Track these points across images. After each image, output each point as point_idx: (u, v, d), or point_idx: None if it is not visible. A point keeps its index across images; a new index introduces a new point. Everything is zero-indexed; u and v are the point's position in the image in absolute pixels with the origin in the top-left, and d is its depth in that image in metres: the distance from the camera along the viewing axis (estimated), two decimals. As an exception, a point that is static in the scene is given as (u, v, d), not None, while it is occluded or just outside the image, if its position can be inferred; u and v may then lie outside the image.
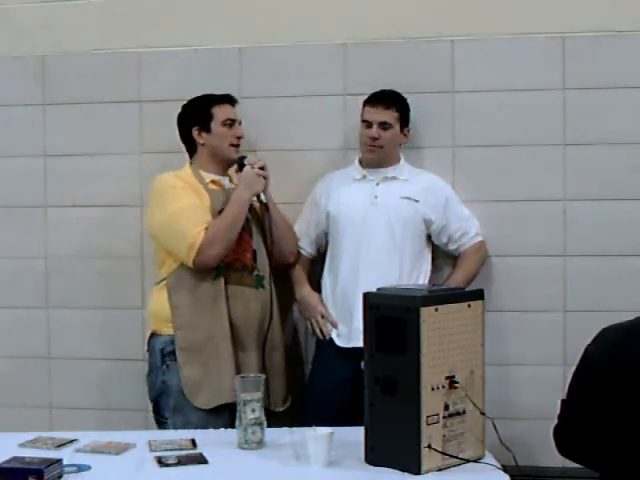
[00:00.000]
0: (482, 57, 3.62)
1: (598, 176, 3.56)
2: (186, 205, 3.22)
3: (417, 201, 3.42)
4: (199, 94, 3.48)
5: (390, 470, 2.42)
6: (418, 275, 3.44)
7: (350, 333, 3.38)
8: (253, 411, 2.62)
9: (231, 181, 3.43)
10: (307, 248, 3.57)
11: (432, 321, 2.39)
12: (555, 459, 2.60)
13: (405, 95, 3.58)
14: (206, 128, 3.38)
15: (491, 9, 3.61)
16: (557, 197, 3.60)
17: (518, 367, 3.60)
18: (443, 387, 2.42)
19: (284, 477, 2.47)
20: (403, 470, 2.40)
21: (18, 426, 3.19)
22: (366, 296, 2.52)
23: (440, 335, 2.41)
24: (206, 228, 3.18)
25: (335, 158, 3.64)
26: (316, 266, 3.62)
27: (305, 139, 3.68)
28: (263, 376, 2.71)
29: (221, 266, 3.23)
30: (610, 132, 3.55)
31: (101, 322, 3.79)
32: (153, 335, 3.32)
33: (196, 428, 2.99)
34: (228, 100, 3.43)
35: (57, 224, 3.84)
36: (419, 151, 3.65)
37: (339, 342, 3.43)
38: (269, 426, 2.70)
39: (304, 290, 3.55)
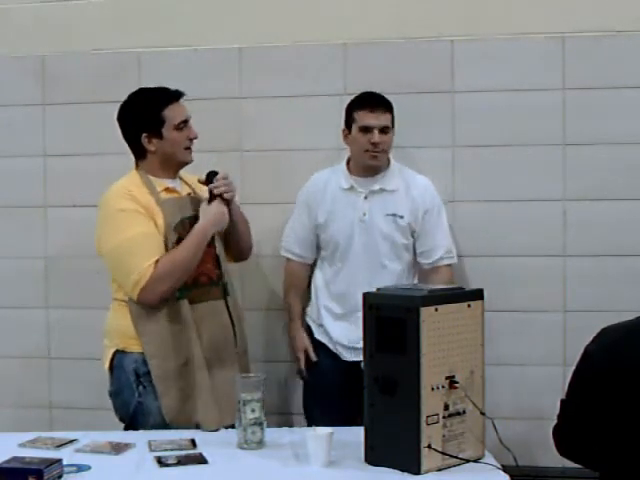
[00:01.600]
0: (482, 57, 3.62)
1: (598, 176, 3.57)
2: (136, 234, 2.96)
3: (402, 217, 3.38)
4: (199, 94, 3.47)
5: (390, 470, 2.42)
6: None
7: (338, 349, 3.43)
8: (253, 411, 2.62)
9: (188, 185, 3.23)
10: (309, 254, 3.53)
11: (432, 321, 2.39)
12: (555, 459, 2.60)
13: (405, 95, 3.58)
14: (157, 134, 3.07)
15: (491, 9, 3.61)
16: (557, 197, 3.60)
17: (518, 367, 3.60)
18: (443, 387, 2.42)
19: (284, 477, 2.46)
20: (403, 470, 2.40)
21: (18, 426, 3.20)
22: (366, 296, 2.52)
23: (440, 335, 2.41)
24: (157, 261, 2.94)
25: (335, 158, 3.63)
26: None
27: (305, 139, 3.68)
28: (263, 376, 2.71)
29: (182, 288, 3.00)
30: (610, 132, 3.55)
31: (101, 322, 3.78)
32: (119, 352, 3.07)
33: None
34: (177, 97, 3.11)
35: (57, 224, 3.84)
36: (419, 151, 3.65)
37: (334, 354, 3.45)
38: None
39: (294, 329, 3.54)
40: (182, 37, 3.76)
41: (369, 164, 3.39)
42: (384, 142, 3.37)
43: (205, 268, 3.09)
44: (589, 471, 2.50)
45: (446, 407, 2.44)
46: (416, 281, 3.47)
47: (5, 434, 2.85)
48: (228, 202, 3.08)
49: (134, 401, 3.04)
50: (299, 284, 3.57)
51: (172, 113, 3.09)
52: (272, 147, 3.70)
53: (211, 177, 3.09)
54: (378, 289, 2.64)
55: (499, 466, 2.45)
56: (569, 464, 2.55)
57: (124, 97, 3.56)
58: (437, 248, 3.43)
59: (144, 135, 3.08)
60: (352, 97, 3.50)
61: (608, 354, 2.36)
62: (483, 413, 2.52)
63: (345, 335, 3.40)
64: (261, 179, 3.75)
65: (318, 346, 3.51)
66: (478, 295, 2.55)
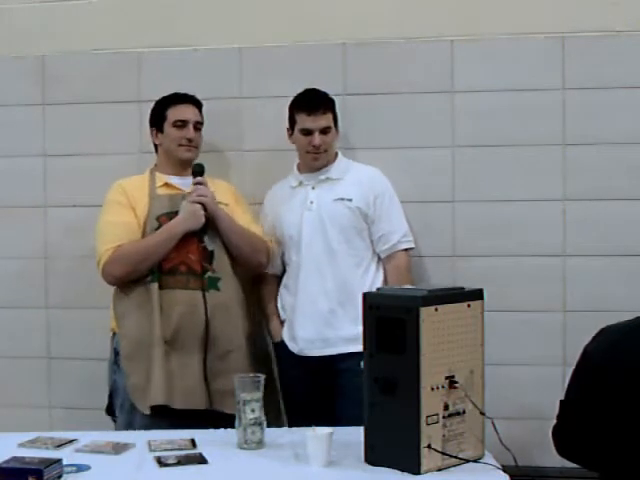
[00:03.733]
0: (482, 57, 3.62)
1: (598, 176, 3.57)
2: (108, 221, 3.31)
3: (350, 200, 3.35)
4: (199, 94, 3.48)
5: (390, 470, 2.42)
6: (373, 280, 3.37)
7: (299, 342, 3.37)
8: (253, 411, 2.62)
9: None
10: (276, 269, 3.51)
11: (432, 321, 2.39)
12: (555, 459, 2.60)
13: (405, 95, 3.58)
14: (160, 129, 3.42)
15: (491, 9, 3.61)
16: (557, 197, 3.60)
17: (518, 367, 3.60)
18: (443, 387, 2.42)
19: (284, 477, 2.46)
20: (403, 470, 2.40)
21: (18, 426, 3.19)
22: (366, 296, 2.52)
23: (440, 335, 2.41)
24: (119, 246, 3.23)
25: (335, 158, 3.64)
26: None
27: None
28: (263, 376, 2.70)
29: (155, 271, 3.22)
30: (610, 132, 3.55)
31: (101, 322, 3.78)
32: (114, 334, 3.35)
33: (140, 429, 3.07)
34: (184, 101, 3.43)
35: (57, 224, 3.84)
36: (419, 151, 3.65)
37: (295, 351, 3.40)
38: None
39: (272, 325, 3.51)
40: (182, 37, 3.76)
41: (311, 165, 3.41)
42: (325, 143, 3.35)
43: (187, 258, 3.26)
44: (589, 471, 2.50)
45: (446, 407, 2.44)
46: (380, 276, 3.40)
47: (5, 434, 2.84)
48: (204, 206, 3.26)
49: (111, 379, 3.33)
50: (272, 292, 3.54)
51: (174, 112, 3.41)
52: (272, 147, 3.70)
53: (196, 172, 3.33)
54: (378, 289, 2.65)
55: (499, 466, 2.45)
56: (569, 464, 2.55)
57: (124, 97, 3.58)
58: (393, 232, 3.40)
59: (152, 129, 3.46)
60: (352, 97, 3.51)
61: (607, 354, 2.36)
62: (483, 413, 2.52)
63: (299, 330, 3.35)
64: (261, 179, 3.75)
65: (283, 356, 3.46)
66: (478, 295, 2.55)
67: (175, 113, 3.40)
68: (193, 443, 2.70)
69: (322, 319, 3.31)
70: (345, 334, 3.26)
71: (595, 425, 2.37)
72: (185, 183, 3.37)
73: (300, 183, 3.44)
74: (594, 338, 2.45)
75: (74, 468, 2.46)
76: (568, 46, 3.57)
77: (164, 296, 3.22)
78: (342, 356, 3.26)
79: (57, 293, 3.86)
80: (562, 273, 3.60)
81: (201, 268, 3.26)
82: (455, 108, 3.64)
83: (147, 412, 3.15)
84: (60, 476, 2.38)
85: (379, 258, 3.44)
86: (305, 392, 3.37)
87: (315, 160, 3.39)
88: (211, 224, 3.29)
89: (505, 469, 2.44)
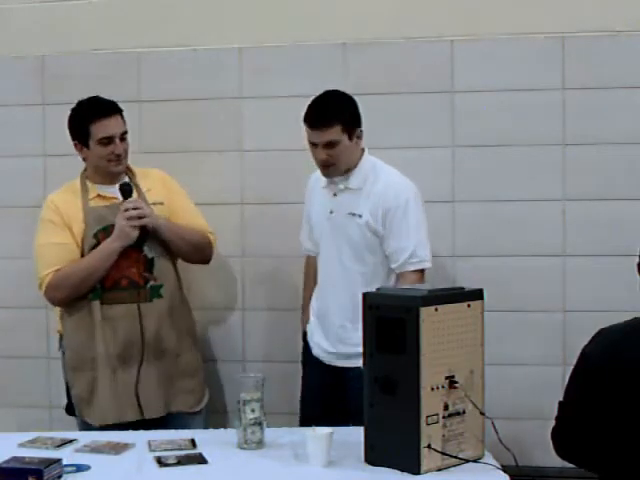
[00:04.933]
0: (482, 57, 3.62)
1: (598, 176, 3.57)
2: (44, 243, 3.25)
3: (360, 216, 3.17)
4: (199, 94, 3.48)
5: (390, 470, 2.42)
6: None
7: (315, 348, 3.35)
8: (253, 411, 2.62)
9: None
10: (312, 247, 3.43)
11: (432, 321, 2.39)
12: (555, 459, 2.60)
13: (405, 95, 3.58)
14: (85, 144, 3.27)
15: (491, 9, 3.61)
16: (556, 197, 3.60)
17: (518, 367, 3.60)
18: (443, 387, 2.42)
19: (284, 477, 2.47)
20: (403, 470, 2.40)
21: (18, 426, 3.20)
22: (366, 296, 2.52)
23: (440, 335, 2.41)
24: (59, 269, 3.19)
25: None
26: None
27: (304, 139, 3.68)
28: (262, 376, 2.71)
29: (97, 288, 3.21)
30: (610, 132, 3.56)
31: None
32: (61, 336, 3.38)
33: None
34: (107, 113, 3.25)
35: (57, 224, 3.84)
36: (419, 151, 3.65)
37: (314, 353, 3.38)
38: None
39: (303, 317, 3.48)
40: (182, 37, 3.76)
41: (323, 175, 3.26)
42: (331, 157, 3.15)
43: (128, 272, 3.24)
44: (588, 472, 2.50)
45: (446, 407, 2.44)
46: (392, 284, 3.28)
47: (5, 434, 2.85)
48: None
49: (65, 379, 3.35)
50: (312, 276, 3.47)
51: (98, 128, 3.24)
52: (272, 147, 3.70)
53: (124, 190, 3.23)
54: (378, 289, 2.64)
55: (499, 466, 2.45)
56: (568, 464, 2.55)
57: (124, 97, 3.57)
58: (400, 251, 3.16)
59: (75, 142, 3.31)
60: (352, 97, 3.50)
61: (605, 355, 2.36)
62: (483, 413, 2.52)
63: (317, 335, 3.34)
64: (261, 179, 3.75)
65: (304, 351, 3.46)
66: (478, 295, 2.55)
67: (99, 129, 3.22)
68: (193, 443, 2.70)
69: (333, 333, 3.26)
70: (356, 351, 2.98)
71: (594, 426, 2.36)
72: (116, 191, 3.28)
73: (326, 185, 3.30)
74: (592, 339, 2.45)
75: (74, 468, 2.46)
76: (568, 46, 3.57)
77: (107, 312, 3.22)
78: (351, 369, 3.14)
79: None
80: (562, 273, 3.61)
81: (143, 279, 3.25)
82: (455, 108, 3.64)
83: (95, 424, 3.18)
84: (60, 476, 2.38)
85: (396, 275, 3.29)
86: (319, 390, 3.35)
87: (325, 174, 3.24)
88: (150, 232, 3.24)
89: (505, 469, 2.44)
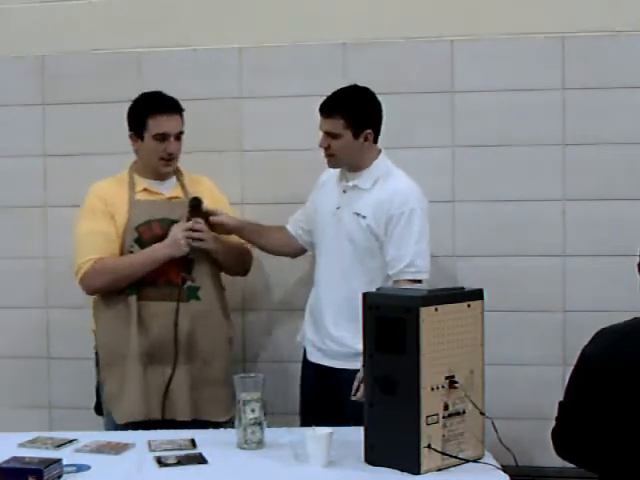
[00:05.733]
0: (482, 57, 3.62)
1: (598, 176, 3.57)
2: (87, 230, 3.23)
3: (364, 217, 3.15)
4: (199, 94, 3.48)
5: (390, 470, 2.42)
6: None
7: (307, 345, 3.34)
8: (253, 411, 2.62)
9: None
10: (298, 231, 3.42)
11: (432, 321, 2.39)
12: (554, 459, 2.60)
13: (405, 95, 3.58)
14: (140, 136, 3.28)
15: (491, 9, 3.61)
16: (556, 197, 3.60)
17: (518, 367, 3.61)
18: (443, 387, 2.42)
19: (284, 477, 2.47)
20: (403, 470, 2.40)
21: (18, 426, 3.19)
22: (366, 296, 2.52)
23: (440, 335, 2.41)
24: (100, 258, 3.18)
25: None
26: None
27: (305, 139, 3.67)
28: (262, 376, 2.71)
29: (132, 285, 3.19)
30: (610, 132, 3.56)
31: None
32: (95, 335, 3.36)
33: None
34: (167, 110, 3.27)
35: (57, 224, 3.84)
36: (419, 151, 3.65)
37: (308, 355, 3.36)
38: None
39: None
40: (182, 37, 3.76)
41: (328, 164, 3.27)
42: (332, 147, 3.16)
43: (167, 269, 3.23)
44: (589, 472, 2.50)
45: (446, 407, 2.44)
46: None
47: (5, 434, 2.84)
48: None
49: (96, 378, 3.35)
50: (274, 229, 3.49)
51: (155, 123, 3.25)
52: (272, 147, 3.70)
53: (193, 206, 3.23)
54: (378, 289, 2.64)
55: (499, 466, 2.45)
56: (569, 464, 2.55)
57: (124, 97, 3.58)
58: (398, 259, 3.12)
59: (131, 133, 3.32)
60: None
61: (605, 356, 2.36)
62: (483, 413, 2.52)
63: (309, 332, 3.33)
64: (261, 179, 3.75)
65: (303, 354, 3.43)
66: (478, 295, 2.55)
67: (157, 125, 3.24)
68: (193, 443, 2.70)
69: (325, 331, 3.24)
70: (345, 350, 3.15)
71: (594, 426, 2.36)
72: (164, 187, 3.33)
73: (339, 180, 3.28)
74: (592, 340, 2.45)
75: (74, 468, 2.46)
76: (568, 46, 3.57)
77: (143, 308, 3.21)
78: (339, 371, 3.17)
79: (57, 293, 3.86)
80: (562, 273, 3.61)
81: (181, 279, 3.24)
82: (455, 108, 3.64)
83: (121, 422, 3.17)
84: (60, 476, 2.38)
85: None
86: (315, 392, 3.32)
87: (328, 162, 3.24)
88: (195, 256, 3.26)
89: (505, 469, 2.44)
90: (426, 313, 2.38)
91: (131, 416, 3.15)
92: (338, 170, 3.31)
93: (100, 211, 3.24)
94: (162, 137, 3.24)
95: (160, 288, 3.22)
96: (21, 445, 2.68)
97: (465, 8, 3.62)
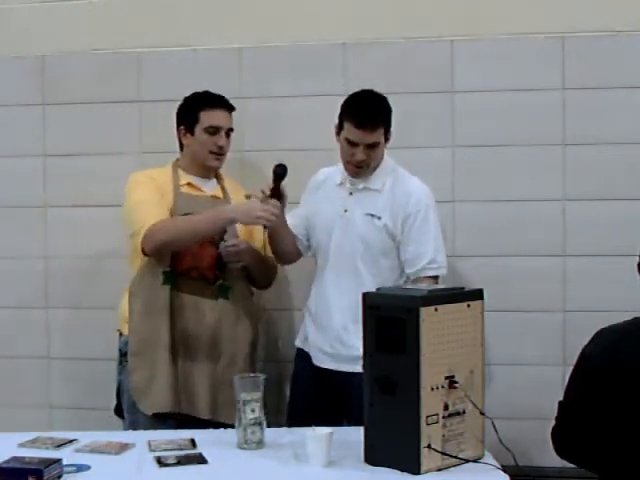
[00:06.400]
0: (482, 57, 3.62)
1: (598, 176, 3.57)
2: (145, 199, 3.21)
3: (379, 218, 3.17)
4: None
5: (390, 470, 2.42)
6: None
7: (313, 350, 3.30)
8: (253, 411, 2.62)
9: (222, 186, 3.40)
10: (301, 240, 3.38)
11: (432, 321, 2.39)
12: (555, 459, 2.60)
13: (405, 95, 3.58)
14: (191, 131, 3.33)
15: (491, 9, 3.61)
16: (556, 197, 3.60)
17: (518, 367, 3.61)
18: (443, 387, 2.42)
19: (284, 477, 2.47)
20: (403, 470, 2.40)
21: (18, 426, 3.19)
22: (366, 296, 2.52)
23: (440, 335, 2.41)
24: (162, 220, 3.16)
25: (335, 158, 3.62)
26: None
27: (305, 139, 3.68)
28: (263, 376, 2.71)
29: (168, 273, 3.20)
30: (610, 132, 3.56)
31: (101, 322, 3.79)
32: (120, 335, 3.35)
33: (145, 429, 3.06)
34: (219, 105, 3.34)
35: (57, 224, 3.84)
36: (419, 151, 3.65)
37: (304, 347, 3.34)
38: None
39: None
40: (182, 37, 3.76)
41: (350, 175, 3.23)
42: (370, 157, 3.15)
43: (201, 263, 3.23)
44: (588, 472, 2.50)
45: (446, 407, 2.44)
46: None
47: (5, 434, 2.84)
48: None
49: (117, 380, 3.31)
50: None
51: (207, 116, 3.31)
52: (271, 147, 3.70)
53: (279, 174, 3.14)
54: (378, 289, 2.64)
55: (499, 466, 2.45)
56: (569, 464, 2.55)
57: (124, 97, 3.58)
58: (420, 256, 3.17)
59: (181, 127, 3.36)
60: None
61: (605, 356, 2.37)
62: (483, 413, 2.52)
63: (313, 336, 3.30)
64: (261, 179, 3.74)
65: (297, 354, 3.41)
66: (478, 295, 2.55)
67: (209, 118, 3.30)
68: (193, 443, 2.70)
69: (334, 333, 3.22)
70: (354, 353, 3.03)
71: (594, 426, 2.37)
72: (206, 185, 3.37)
73: (342, 183, 3.27)
74: (592, 340, 2.45)
75: (74, 468, 2.45)
76: (568, 46, 3.57)
77: (175, 299, 3.21)
78: (349, 375, 3.13)
79: (57, 293, 3.86)
80: (562, 273, 3.61)
81: (213, 275, 3.25)
82: (455, 108, 3.64)
83: (149, 413, 3.16)
84: (60, 476, 2.38)
85: (407, 280, 3.25)
86: (316, 396, 3.29)
87: (355, 174, 3.20)
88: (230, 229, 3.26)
89: (505, 469, 2.44)
90: (426, 313, 2.38)
91: (160, 407, 3.15)
92: (336, 171, 3.32)
93: (153, 185, 3.24)
94: (214, 130, 3.30)
95: (192, 281, 3.23)
96: (21, 445, 2.68)
97: (465, 8, 3.62)
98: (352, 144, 3.14)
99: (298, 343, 3.42)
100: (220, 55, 3.75)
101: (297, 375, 3.42)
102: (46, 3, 3.85)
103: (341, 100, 3.47)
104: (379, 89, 3.49)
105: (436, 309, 2.40)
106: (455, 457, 2.45)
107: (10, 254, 3.89)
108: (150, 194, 3.24)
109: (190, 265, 3.23)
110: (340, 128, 3.19)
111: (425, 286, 2.88)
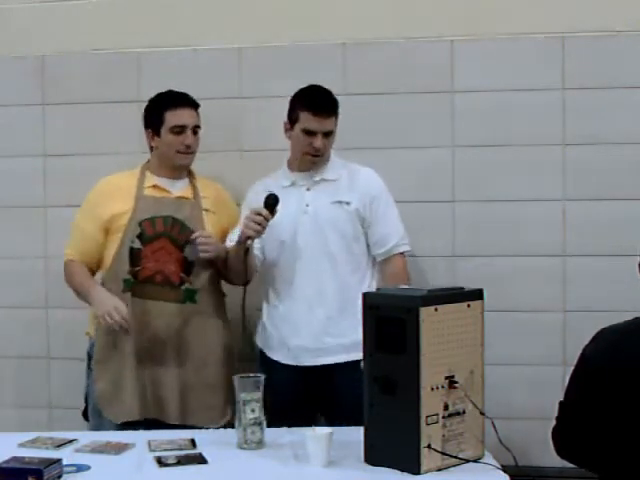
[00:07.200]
0: (482, 57, 3.62)
1: (598, 176, 3.57)
2: (81, 227, 3.34)
3: (349, 203, 3.24)
4: (199, 94, 3.47)
5: (390, 470, 2.42)
6: (369, 286, 3.23)
7: (294, 351, 3.25)
8: (252, 411, 2.62)
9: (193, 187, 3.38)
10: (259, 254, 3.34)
11: (431, 321, 2.39)
12: (554, 459, 2.60)
13: (405, 95, 3.58)
14: (157, 132, 3.32)
15: (491, 9, 3.61)
16: (556, 197, 3.60)
17: (518, 367, 3.60)
18: (442, 387, 2.42)
19: (284, 477, 2.47)
20: (403, 470, 2.40)
21: (18, 426, 3.20)
22: (366, 296, 2.52)
23: (439, 335, 2.41)
24: (72, 262, 3.34)
25: (341, 156, 3.63)
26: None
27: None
28: (263, 376, 2.70)
29: (129, 280, 3.20)
30: (610, 132, 3.55)
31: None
32: (89, 338, 3.34)
33: None
34: (183, 104, 3.32)
35: (57, 224, 3.84)
36: (419, 151, 3.65)
37: (285, 361, 3.26)
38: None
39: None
40: (182, 37, 3.76)
41: (308, 166, 3.28)
42: (326, 146, 3.23)
43: (165, 268, 3.22)
44: (589, 472, 2.50)
45: (446, 407, 2.44)
46: (375, 283, 3.28)
47: (5, 434, 2.85)
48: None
49: (86, 383, 3.30)
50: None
51: (172, 117, 3.30)
52: (272, 147, 3.69)
53: (270, 202, 3.10)
54: (378, 289, 2.64)
55: (499, 466, 2.45)
56: (569, 464, 2.55)
57: (124, 97, 3.57)
58: (391, 235, 3.28)
59: (148, 131, 3.36)
60: (352, 97, 3.48)
61: (606, 356, 2.36)
62: (483, 413, 2.52)
63: (293, 339, 3.25)
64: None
65: (270, 367, 3.25)
66: (478, 295, 2.55)
67: (173, 118, 3.29)
68: (193, 443, 2.70)
69: (320, 326, 3.21)
70: (344, 341, 3.15)
71: (594, 426, 2.36)
72: (175, 186, 3.34)
73: (293, 183, 3.30)
74: (592, 340, 2.45)
75: (74, 468, 2.46)
76: (568, 46, 3.57)
77: (138, 306, 3.19)
78: (340, 366, 3.17)
79: (57, 293, 3.85)
80: (562, 273, 3.61)
81: (179, 279, 3.23)
82: (455, 108, 3.64)
83: (116, 422, 3.14)
84: (60, 476, 2.38)
85: (373, 263, 3.33)
86: (293, 402, 3.20)
87: (313, 163, 3.27)
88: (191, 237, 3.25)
89: (505, 469, 2.44)
90: (426, 313, 2.38)
91: (127, 415, 3.13)
92: (275, 178, 3.33)
93: (90, 209, 3.33)
94: (180, 130, 3.29)
95: (156, 287, 3.21)
96: (21, 445, 2.68)
97: (465, 8, 3.62)
98: (310, 133, 3.21)
99: (271, 354, 3.32)
100: (220, 55, 3.75)
101: (277, 379, 3.17)
102: (46, 3, 3.85)
103: (341, 100, 3.47)
104: (379, 89, 3.51)
105: (436, 309, 2.40)
106: (455, 457, 2.45)
107: (10, 254, 3.89)
108: (86, 222, 3.31)
109: (154, 270, 3.21)
110: (294, 122, 3.25)
111: (422, 286, 2.89)
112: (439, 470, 2.42)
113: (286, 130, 3.31)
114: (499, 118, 3.61)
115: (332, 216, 3.24)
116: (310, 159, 3.26)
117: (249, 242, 3.11)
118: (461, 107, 3.64)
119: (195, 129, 3.34)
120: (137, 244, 3.22)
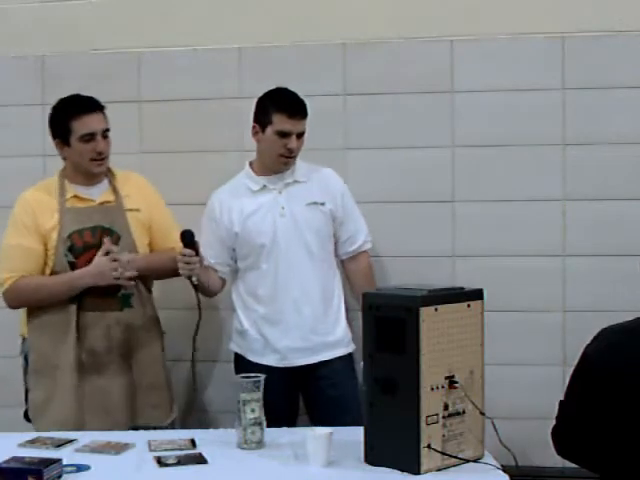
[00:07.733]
0: (482, 57, 3.62)
1: (598, 176, 3.57)
2: (13, 245, 3.20)
3: (323, 204, 3.30)
4: (199, 94, 3.48)
5: (390, 470, 2.42)
6: (339, 283, 3.36)
7: (282, 352, 3.26)
8: (253, 411, 2.62)
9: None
10: (224, 270, 3.37)
11: (432, 321, 2.39)
12: (554, 459, 2.61)
13: (405, 95, 3.58)
14: (66, 142, 3.22)
15: (491, 9, 3.61)
16: (556, 197, 3.60)
17: (518, 367, 3.60)
18: (443, 387, 2.42)
19: (284, 477, 2.47)
20: (403, 470, 2.40)
21: (18, 426, 3.19)
22: (365, 296, 2.52)
23: (439, 335, 2.41)
24: (22, 277, 3.18)
25: (335, 158, 3.64)
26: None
27: (305, 139, 3.68)
28: (263, 376, 2.70)
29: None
30: (610, 132, 3.56)
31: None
32: (23, 339, 3.32)
33: None
34: (88, 109, 3.21)
35: (57, 224, 3.83)
36: (419, 151, 3.65)
37: (271, 363, 3.25)
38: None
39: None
40: (182, 37, 3.76)
41: (280, 168, 3.28)
42: (299, 147, 3.26)
43: None
44: (589, 471, 2.50)
45: (446, 407, 2.44)
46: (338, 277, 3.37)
47: (5, 434, 2.84)
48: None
49: (25, 384, 3.31)
50: None
51: (79, 124, 3.19)
52: (272, 147, 3.69)
53: (187, 238, 3.11)
54: (378, 289, 2.64)
55: (499, 466, 2.45)
56: (569, 464, 2.55)
57: (124, 97, 3.57)
58: (358, 232, 3.38)
59: (56, 141, 3.26)
60: (352, 97, 3.48)
61: (607, 356, 2.36)
62: (483, 413, 2.52)
63: (280, 341, 3.26)
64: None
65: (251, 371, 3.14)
66: (478, 295, 2.55)
67: (81, 126, 3.17)
68: (193, 443, 2.70)
69: (307, 326, 3.24)
70: (329, 339, 3.26)
71: (594, 426, 2.36)
72: (95, 192, 3.27)
73: (264, 187, 3.30)
74: (593, 339, 2.45)
75: (74, 468, 2.46)
76: (568, 46, 3.57)
77: (80, 318, 3.17)
78: (325, 363, 3.24)
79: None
80: (562, 273, 3.61)
81: (115, 286, 3.19)
82: (455, 108, 3.64)
83: (46, 430, 3.02)
84: (60, 476, 2.38)
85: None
86: (276, 403, 3.04)
87: (286, 164, 3.27)
88: (125, 232, 3.23)
89: (505, 469, 2.44)
90: (426, 313, 2.38)
91: (61, 425, 3.05)
92: (241, 184, 3.32)
93: (27, 226, 3.20)
94: (89, 137, 3.18)
95: (95, 297, 3.18)
96: (21, 445, 2.68)
97: (465, 8, 3.62)
98: (284, 135, 3.22)
99: (255, 358, 3.30)
100: (220, 55, 3.75)
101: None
102: (46, 3, 3.85)
103: (341, 100, 3.48)
104: (379, 89, 3.51)
105: (436, 309, 2.40)
106: (455, 457, 2.45)
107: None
108: (20, 237, 3.20)
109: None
110: (265, 125, 3.23)
111: (427, 285, 2.88)
112: (439, 470, 2.42)
113: (255, 133, 3.29)
114: (499, 118, 3.61)
115: (309, 217, 3.28)
116: (284, 160, 3.27)
117: (193, 279, 3.12)
118: (461, 107, 3.64)
119: (105, 133, 3.23)
120: (70, 257, 3.19)
